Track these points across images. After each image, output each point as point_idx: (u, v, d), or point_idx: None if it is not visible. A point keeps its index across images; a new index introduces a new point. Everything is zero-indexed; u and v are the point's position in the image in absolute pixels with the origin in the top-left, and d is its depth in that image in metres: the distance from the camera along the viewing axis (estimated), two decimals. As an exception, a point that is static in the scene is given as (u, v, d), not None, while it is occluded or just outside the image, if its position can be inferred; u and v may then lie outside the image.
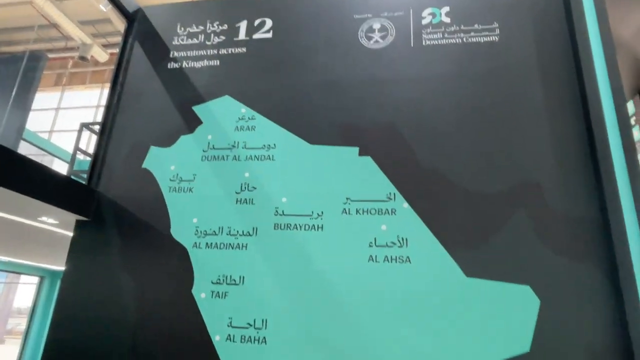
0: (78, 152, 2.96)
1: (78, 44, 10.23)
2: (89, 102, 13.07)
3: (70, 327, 2.47)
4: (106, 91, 13.18)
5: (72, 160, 3.04)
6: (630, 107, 3.63)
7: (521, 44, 2.61)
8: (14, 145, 5.42)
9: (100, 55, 10.73)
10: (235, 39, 3.01)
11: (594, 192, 2.23)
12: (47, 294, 6.33)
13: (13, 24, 12.51)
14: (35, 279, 7.28)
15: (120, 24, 11.47)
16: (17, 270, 5.71)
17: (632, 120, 3.61)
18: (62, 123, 12.84)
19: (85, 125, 3.00)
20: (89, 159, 3.07)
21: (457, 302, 2.15)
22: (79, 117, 13.31)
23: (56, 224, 3.08)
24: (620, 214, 2.06)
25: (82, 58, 9.81)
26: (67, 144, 10.05)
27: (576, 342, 2.00)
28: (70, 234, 2.78)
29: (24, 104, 5.17)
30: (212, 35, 3.05)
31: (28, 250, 4.69)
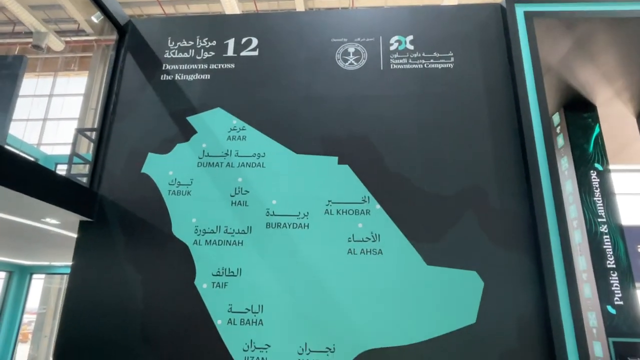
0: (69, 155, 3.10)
1: (28, 30, 9.61)
2: (39, 90, 12.51)
3: (80, 318, 2.62)
4: (58, 80, 12.66)
5: (70, 164, 3.18)
6: (556, 118, 4.22)
7: (471, 71, 2.99)
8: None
9: (56, 43, 10.20)
10: (224, 55, 3.22)
11: (525, 193, 2.64)
12: (17, 288, 6.25)
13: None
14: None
15: (74, 11, 10.92)
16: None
17: (558, 129, 4.21)
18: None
19: (80, 131, 3.15)
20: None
21: (420, 285, 2.51)
22: (27, 105, 12.82)
23: (58, 224, 3.19)
24: (544, 212, 2.49)
25: (36, 47, 9.18)
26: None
27: (511, 313, 2.41)
28: (64, 231, 2.91)
29: (6, 108, 5.06)
30: (202, 50, 3.25)
31: (3, 247, 4.66)
